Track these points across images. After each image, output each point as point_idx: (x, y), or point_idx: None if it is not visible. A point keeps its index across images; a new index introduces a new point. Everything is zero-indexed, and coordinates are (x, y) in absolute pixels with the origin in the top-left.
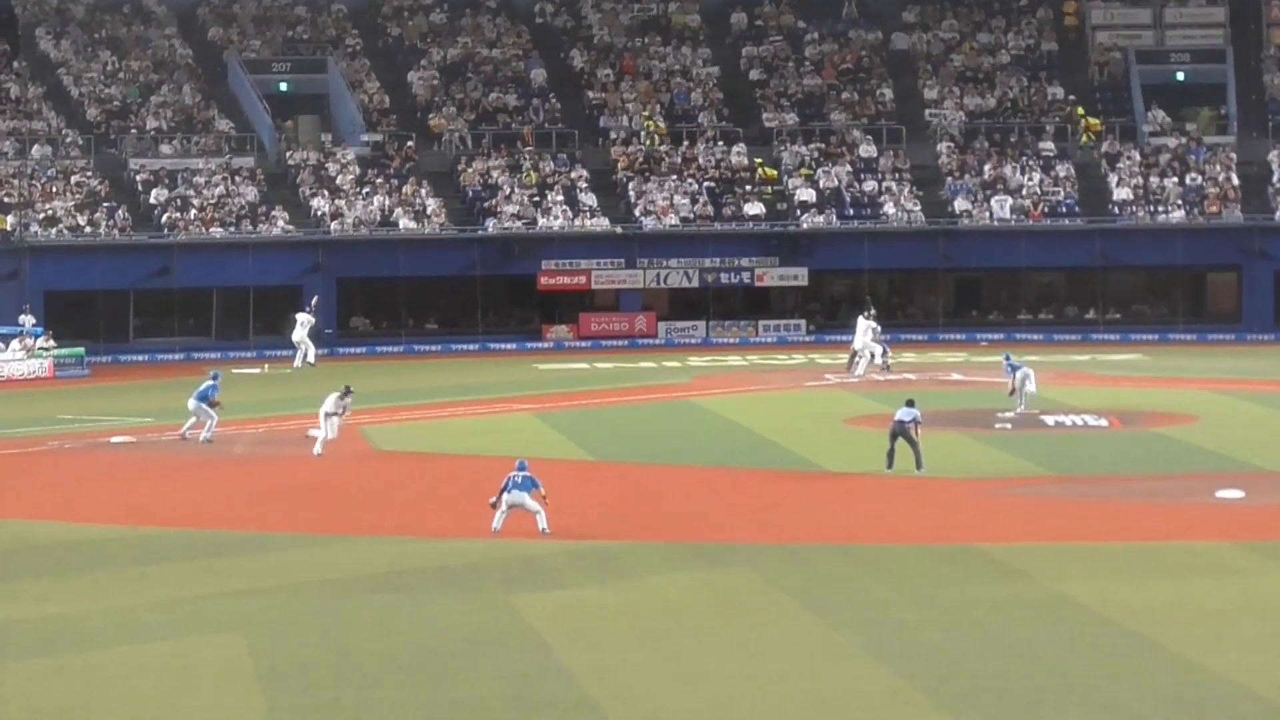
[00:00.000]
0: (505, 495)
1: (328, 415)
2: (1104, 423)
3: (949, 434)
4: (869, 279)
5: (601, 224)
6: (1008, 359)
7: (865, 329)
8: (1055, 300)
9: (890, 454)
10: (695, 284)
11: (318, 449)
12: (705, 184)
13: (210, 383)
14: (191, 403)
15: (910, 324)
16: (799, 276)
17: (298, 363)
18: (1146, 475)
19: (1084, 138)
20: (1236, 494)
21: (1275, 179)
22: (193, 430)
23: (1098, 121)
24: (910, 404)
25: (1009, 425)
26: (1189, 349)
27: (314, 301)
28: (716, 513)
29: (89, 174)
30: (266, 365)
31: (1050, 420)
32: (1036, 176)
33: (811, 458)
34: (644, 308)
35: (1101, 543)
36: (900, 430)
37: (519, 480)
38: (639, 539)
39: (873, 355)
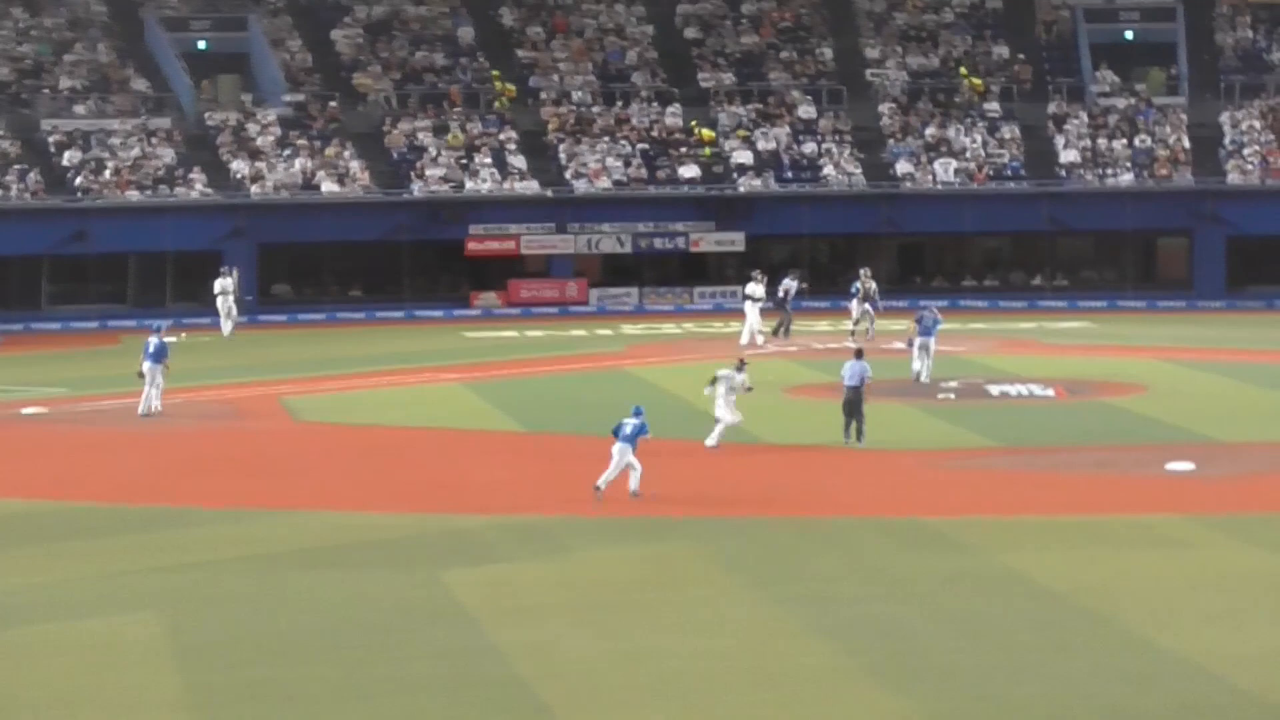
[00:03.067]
0: (613, 448)
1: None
2: (1050, 393)
3: (892, 405)
4: (809, 244)
5: (531, 187)
6: (921, 321)
7: (754, 307)
8: (1001, 266)
9: (847, 427)
10: (628, 249)
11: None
12: (639, 146)
13: (158, 340)
14: (146, 365)
15: (849, 291)
16: (736, 242)
17: (227, 331)
18: (1095, 446)
19: (968, 96)
20: (1187, 466)
21: (1227, 141)
22: (150, 400)
23: (980, 83)
24: (859, 355)
25: (952, 395)
26: (1138, 316)
27: (229, 269)
28: (655, 485)
29: (0, 135)
30: (184, 333)
31: (995, 390)
32: (981, 138)
33: (751, 429)
34: (575, 274)
35: (1049, 516)
36: (855, 400)
37: (629, 430)
38: (574, 513)
39: (781, 328)
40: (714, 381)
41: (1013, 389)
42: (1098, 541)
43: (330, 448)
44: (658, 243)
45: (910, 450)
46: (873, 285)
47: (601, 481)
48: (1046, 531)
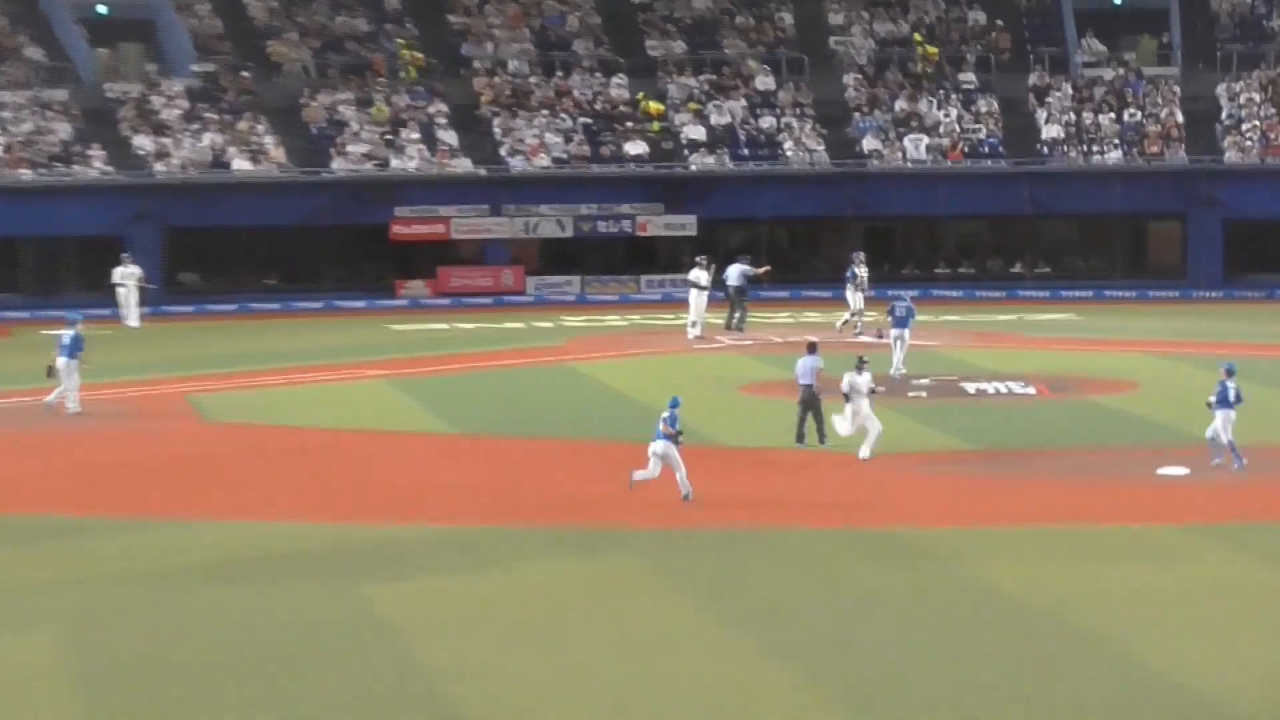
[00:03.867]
0: (651, 444)
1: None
2: (1031, 390)
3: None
4: (767, 228)
5: (463, 166)
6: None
7: (699, 296)
8: (977, 252)
9: (801, 424)
10: (569, 234)
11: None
12: (581, 121)
13: (74, 332)
14: (62, 361)
15: (814, 279)
16: (687, 226)
17: (134, 321)
18: (1079, 450)
19: (920, 66)
20: (1180, 471)
21: (1224, 116)
22: (62, 398)
23: (935, 50)
24: (812, 349)
25: (924, 394)
26: (1128, 307)
27: (129, 256)
28: (597, 492)
29: None
30: (80, 325)
31: (971, 388)
32: (955, 112)
33: (702, 429)
34: (511, 260)
35: (1029, 525)
36: (811, 400)
37: (663, 421)
38: (508, 522)
39: (734, 321)
40: (847, 399)
41: (990, 387)
42: (1083, 553)
43: (244, 451)
44: (602, 226)
45: (877, 455)
46: (865, 272)
47: (685, 490)
48: (1026, 543)
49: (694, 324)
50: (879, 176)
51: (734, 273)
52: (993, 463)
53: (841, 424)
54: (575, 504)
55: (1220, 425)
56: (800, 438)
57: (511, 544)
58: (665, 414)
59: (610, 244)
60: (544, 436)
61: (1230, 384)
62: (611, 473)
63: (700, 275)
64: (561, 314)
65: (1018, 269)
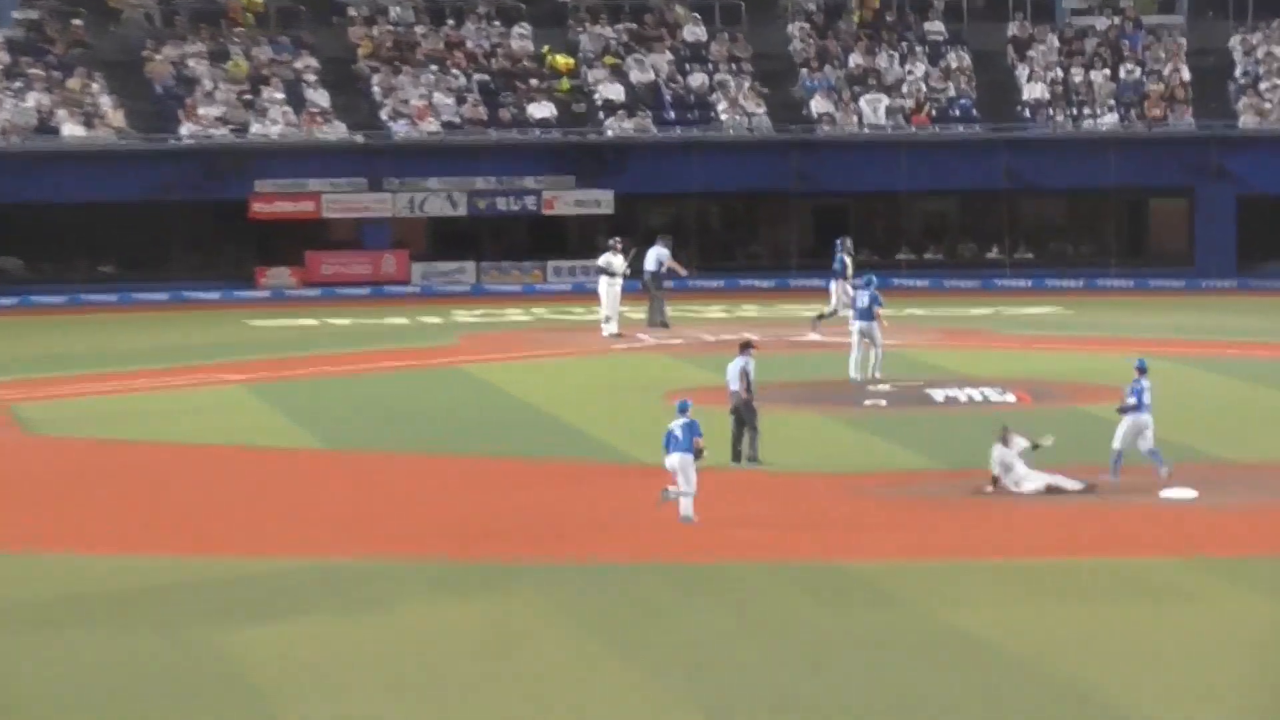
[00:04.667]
0: (666, 458)
1: None
2: (1010, 398)
3: (804, 414)
4: (697, 205)
5: (336, 131)
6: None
7: (610, 286)
8: (947, 235)
9: (736, 442)
10: (462, 212)
11: None
12: (476, 78)
13: None
14: None
15: (753, 266)
16: (602, 202)
17: None
18: (1066, 468)
19: (859, 15)
20: (1187, 494)
21: (1238, 73)
22: None
23: None
24: (746, 348)
25: (883, 402)
26: (1124, 299)
27: None
28: (495, 520)
29: None
30: None
31: (939, 395)
32: (921, 69)
33: (621, 445)
34: (393, 244)
35: (1008, 559)
36: (741, 409)
37: (679, 431)
38: (388, 555)
39: (655, 317)
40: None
41: (962, 394)
42: (1071, 592)
43: (74, 470)
44: (501, 204)
45: (825, 474)
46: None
47: (686, 511)
48: (1005, 580)
49: (607, 319)
50: (830, 145)
51: (651, 257)
52: (965, 484)
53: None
54: (468, 533)
55: (1122, 432)
56: (737, 455)
57: (392, 581)
58: (678, 422)
59: (511, 224)
60: (432, 453)
61: (1145, 383)
62: (510, 496)
63: (612, 261)
64: (453, 307)
65: (994, 255)
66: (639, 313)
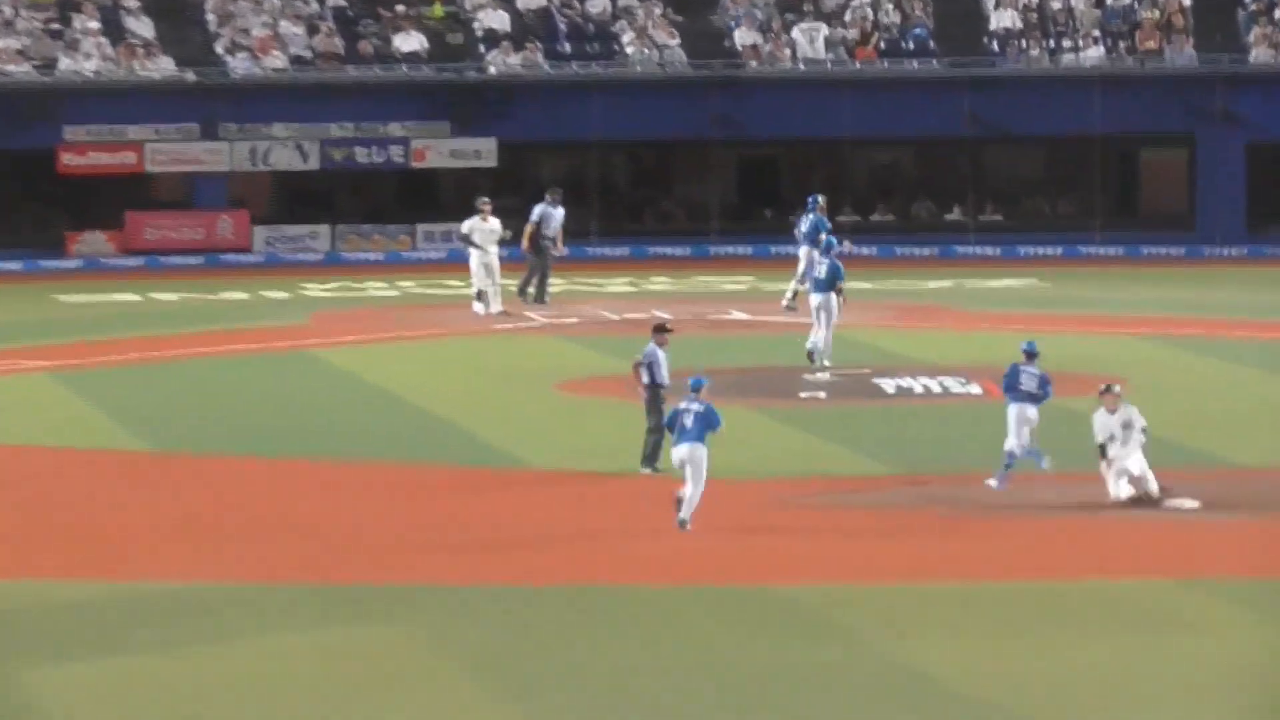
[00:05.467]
0: (673, 449)
1: None
2: (975, 389)
3: (728, 408)
4: (598, 157)
5: (162, 68)
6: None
7: (485, 235)
8: (899, 192)
9: (651, 440)
10: (314, 165)
11: None
12: (331, 5)
13: None
14: None
15: (665, 230)
16: (483, 153)
17: None
18: (1044, 474)
19: None
20: (1187, 504)
21: None
22: None
23: None
24: (661, 332)
25: (822, 394)
26: (1112, 270)
27: None
28: (359, 536)
29: None
30: None
31: (889, 385)
32: None
33: (506, 446)
34: (231, 203)
35: (971, 582)
36: (659, 405)
37: (692, 415)
38: (241, 578)
39: (531, 286)
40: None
41: (917, 384)
42: (1049, 621)
43: None
44: (361, 155)
45: (753, 480)
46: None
47: (685, 511)
48: (969, 606)
49: (479, 295)
50: (757, 84)
51: (546, 220)
52: (920, 493)
53: (1116, 487)
54: (328, 552)
55: (1013, 423)
56: (650, 459)
57: (233, 608)
58: (691, 403)
59: (374, 180)
60: (279, 457)
61: (1030, 369)
62: (377, 507)
63: (478, 227)
64: (303, 279)
65: (956, 216)
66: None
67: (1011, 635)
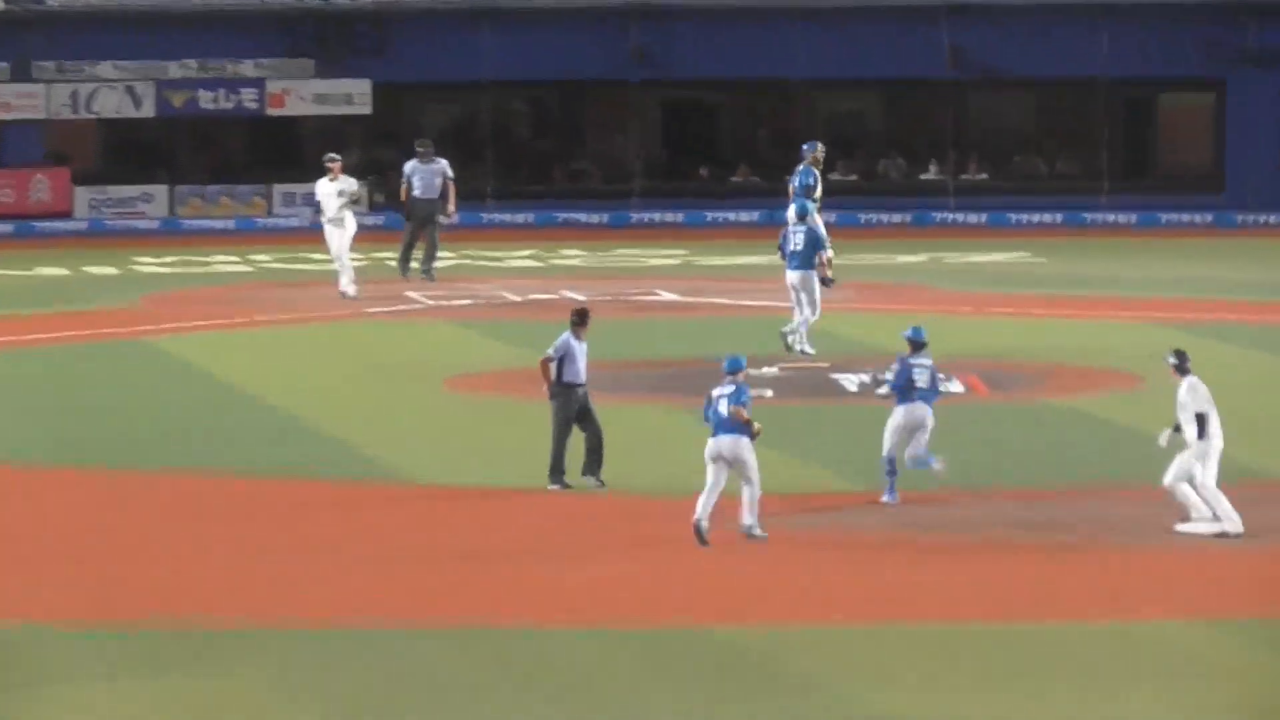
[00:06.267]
0: (708, 446)
1: None
2: (956, 387)
3: (658, 410)
4: (492, 102)
5: None
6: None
7: (333, 199)
8: (864, 146)
9: (558, 446)
10: (148, 113)
11: None
12: None
13: None
14: None
15: (579, 192)
16: (355, 97)
17: None
18: (1040, 490)
19: None
20: (1211, 527)
21: None
22: None
23: None
24: (577, 318)
25: (769, 392)
26: (1122, 241)
27: None
28: (202, 564)
29: None
30: None
31: (851, 382)
32: None
33: (384, 456)
34: (48, 158)
35: (951, 623)
36: (577, 410)
37: (724, 401)
38: (54, 616)
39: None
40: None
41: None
42: (1043, 669)
43: None
44: (206, 99)
45: (687, 497)
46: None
47: (701, 511)
48: (947, 651)
49: (342, 269)
50: (689, 12)
51: (418, 178)
52: (888, 513)
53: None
54: (153, 582)
55: (892, 428)
56: (558, 472)
57: (59, 653)
58: (724, 388)
59: (221, 130)
60: (104, 468)
61: (921, 362)
62: (227, 530)
63: (324, 189)
64: (135, 252)
65: (933, 175)
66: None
67: (998, 685)
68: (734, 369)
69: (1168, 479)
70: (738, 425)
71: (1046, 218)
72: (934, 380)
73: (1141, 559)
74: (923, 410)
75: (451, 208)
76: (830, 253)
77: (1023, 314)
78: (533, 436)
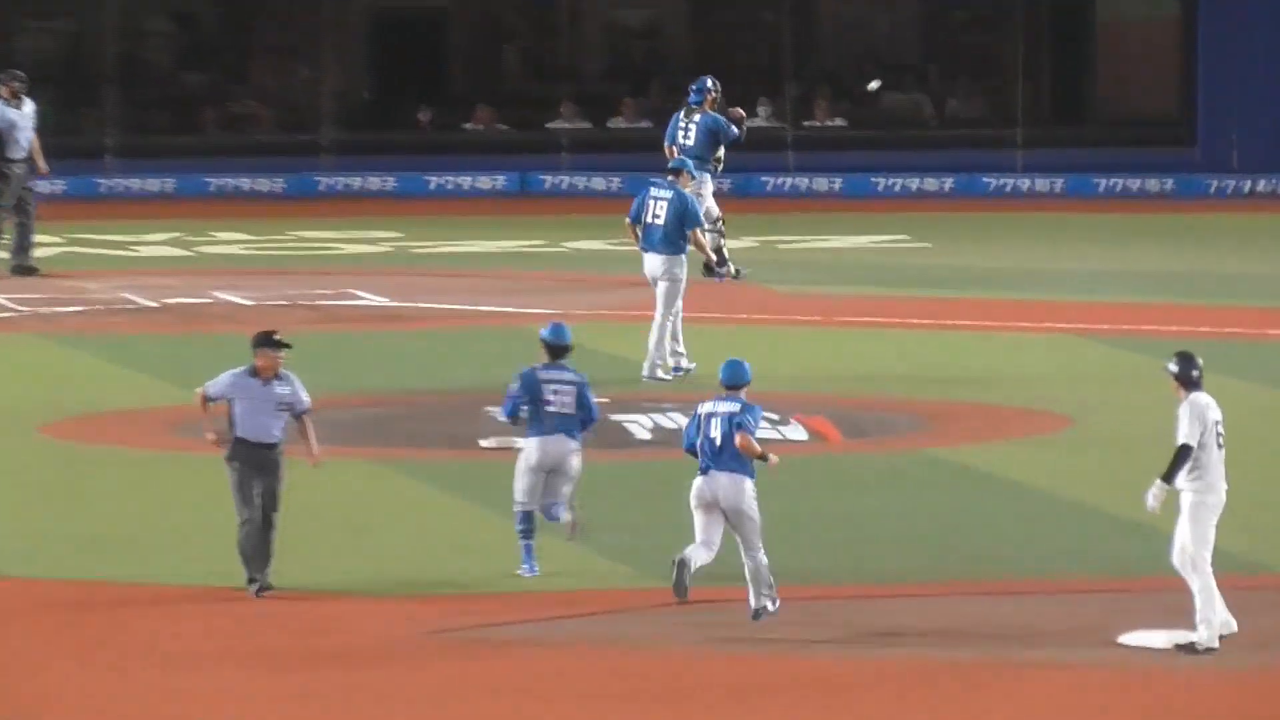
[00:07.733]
0: (700, 479)
1: None
2: (796, 432)
3: (353, 463)
4: (110, 23)
5: None
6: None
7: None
8: (658, 74)
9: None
10: None
11: None
12: None
13: None
14: None
15: (241, 147)
16: None
17: None
18: (921, 584)
19: None
20: (1159, 638)
21: None
22: None
23: None
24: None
25: (520, 441)
26: (1041, 216)
27: None
28: None
29: None
30: None
31: (642, 428)
32: None
33: None
34: None
35: None
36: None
37: (721, 422)
38: None
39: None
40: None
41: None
42: None
43: None
44: None
45: (424, 596)
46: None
47: (756, 601)
48: None
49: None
50: None
51: (10, 129)
52: (699, 617)
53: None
54: None
55: (530, 467)
56: (256, 560)
57: None
58: (720, 404)
59: None
60: None
61: (562, 374)
62: None
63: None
64: None
65: (763, 120)
66: None
67: None
68: (736, 380)
69: (1176, 555)
70: (740, 460)
71: (931, 183)
72: (583, 402)
73: (1064, 679)
74: (562, 445)
75: (43, 164)
76: (711, 232)
77: (895, 325)
78: (176, 508)
